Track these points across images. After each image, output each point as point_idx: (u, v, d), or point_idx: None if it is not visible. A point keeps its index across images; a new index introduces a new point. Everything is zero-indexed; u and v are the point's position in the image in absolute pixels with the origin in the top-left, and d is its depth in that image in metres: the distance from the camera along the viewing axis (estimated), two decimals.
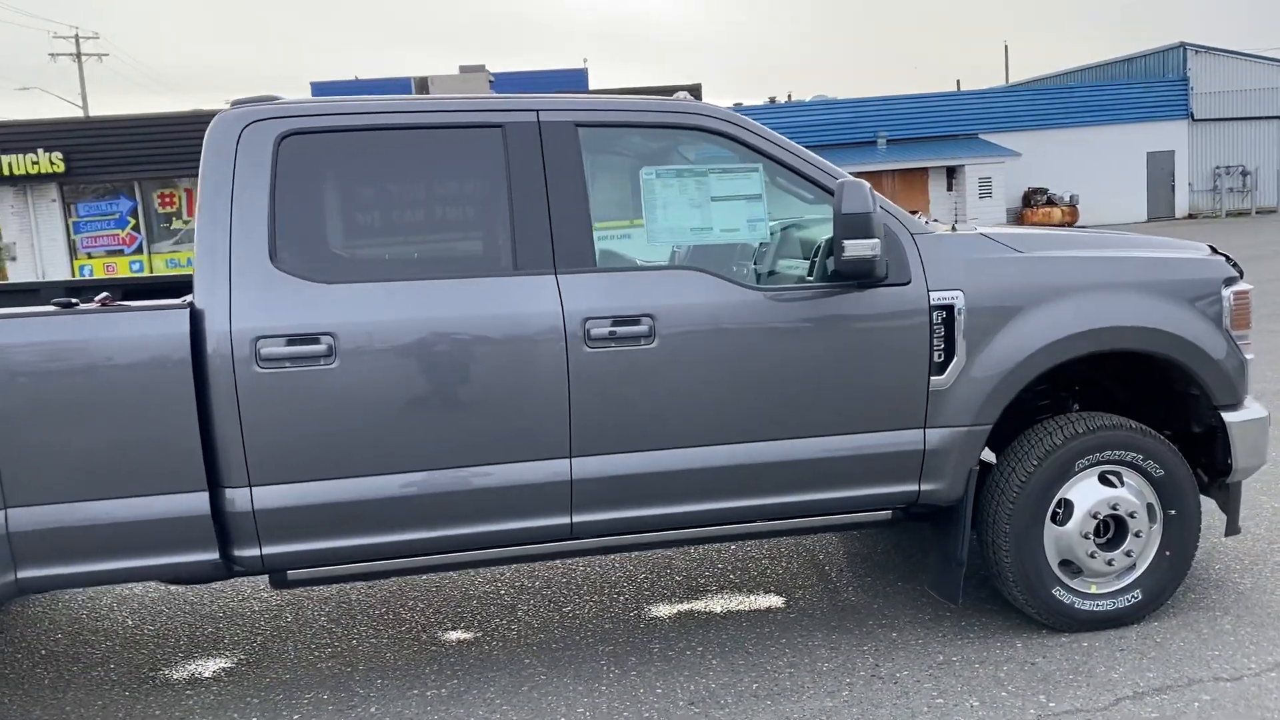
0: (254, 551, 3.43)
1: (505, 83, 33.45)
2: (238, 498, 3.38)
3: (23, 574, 3.29)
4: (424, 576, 4.90)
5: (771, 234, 3.98)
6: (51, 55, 49.66)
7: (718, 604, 4.50)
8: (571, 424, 3.53)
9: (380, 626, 4.44)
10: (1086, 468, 3.91)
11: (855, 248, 3.42)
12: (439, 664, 4.04)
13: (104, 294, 3.71)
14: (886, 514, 3.92)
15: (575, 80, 36.19)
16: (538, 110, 3.63)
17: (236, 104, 3.61)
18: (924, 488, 3.84)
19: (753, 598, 4.55)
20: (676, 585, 4.73)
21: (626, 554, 5.02)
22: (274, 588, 3.60)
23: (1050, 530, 3.91)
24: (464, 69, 39.55)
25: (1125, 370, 4.30)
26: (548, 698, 3.71)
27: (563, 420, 3.52)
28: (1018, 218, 34.98)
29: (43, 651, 4.37)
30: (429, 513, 3.50)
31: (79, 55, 49.57)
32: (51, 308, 3.40)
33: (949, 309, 3.74)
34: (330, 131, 3.52)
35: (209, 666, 4.15)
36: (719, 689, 3.70)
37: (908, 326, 3.73)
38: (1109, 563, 3.94)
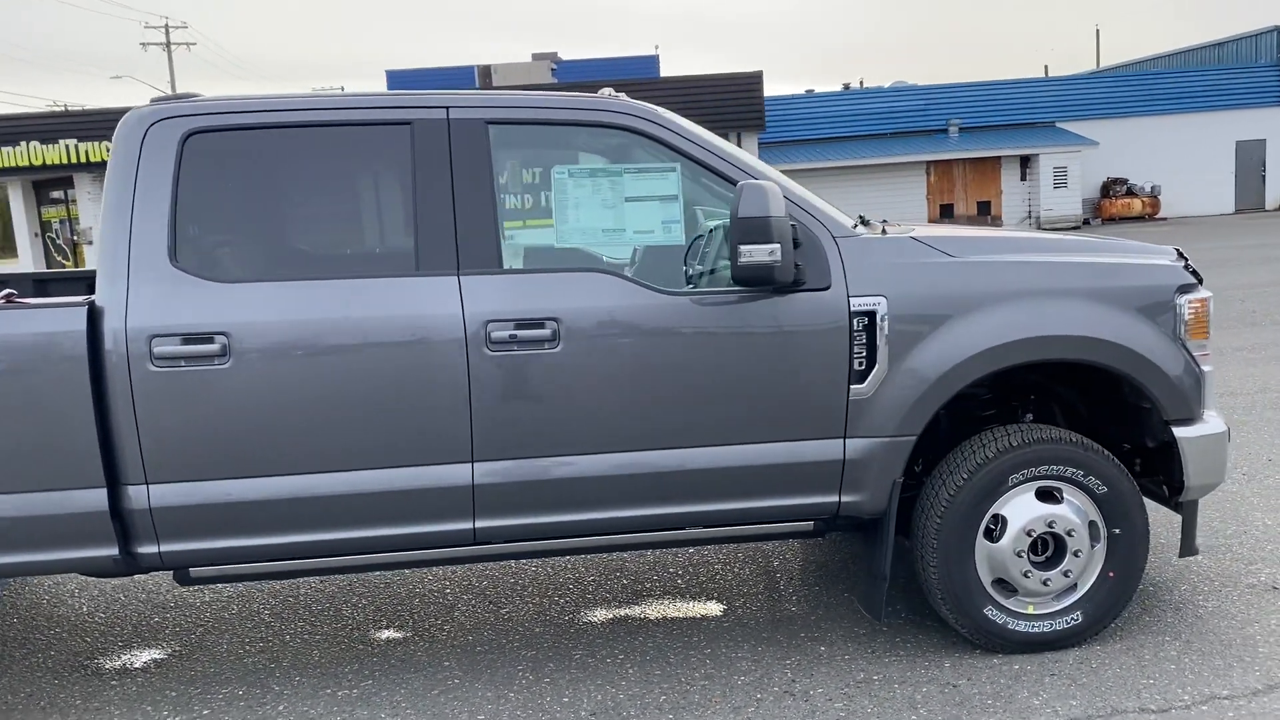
0: (153, 549, 3.46)
1: (570, 70, 33.54)
2: (135, 495, 3.40)
3: None
4: (373, 574, 4.91)
5: (710, 234, 3.87)
6: (143, 45, 51.17)
7: (655, 610, 4.42)
8: (473, 428, 3.48)
9: (318, 622, 4.46)
10: (1021, 482, 3.72)
11: (751, 253, 3.30)
12: (360, 663, 4.04)
13: (8, 290, 3.77)
14: (808, 525, 3.80)
15: (644, 67, 36.11)
16: (448, 107, 3.58)
17: (155, 101, 3.63)
18: (845, 499, 3.70)
19: (692, 604, 4.46)
20: (620, 589, 4.65)
21: (576, 556, 4.96)
22: (179, 584, 3.62)
23: (983, 547, 3.75)
24: (536, 56, 39.81)
25: (1083, 381, 4.10)
26: (454, 703, 3.67)
27: (464, 424, 3.47)
28: (1095, 209, 33.93)
29: (124, 629, 4.49)
30: (325, 515, 3.48)
31: (168, 45, 51.07)
32: None
33: (870, 315, 3.60)
34: (234, 130, 3.52)
35: (142, 657, 4.21)
36: (626, 700, 3.63)
37: (826, 333, 3.59)
38: (1045, 582, 3.76)
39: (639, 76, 32.13)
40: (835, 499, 3.70)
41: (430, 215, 3.49)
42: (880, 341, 3.60)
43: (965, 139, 33.23)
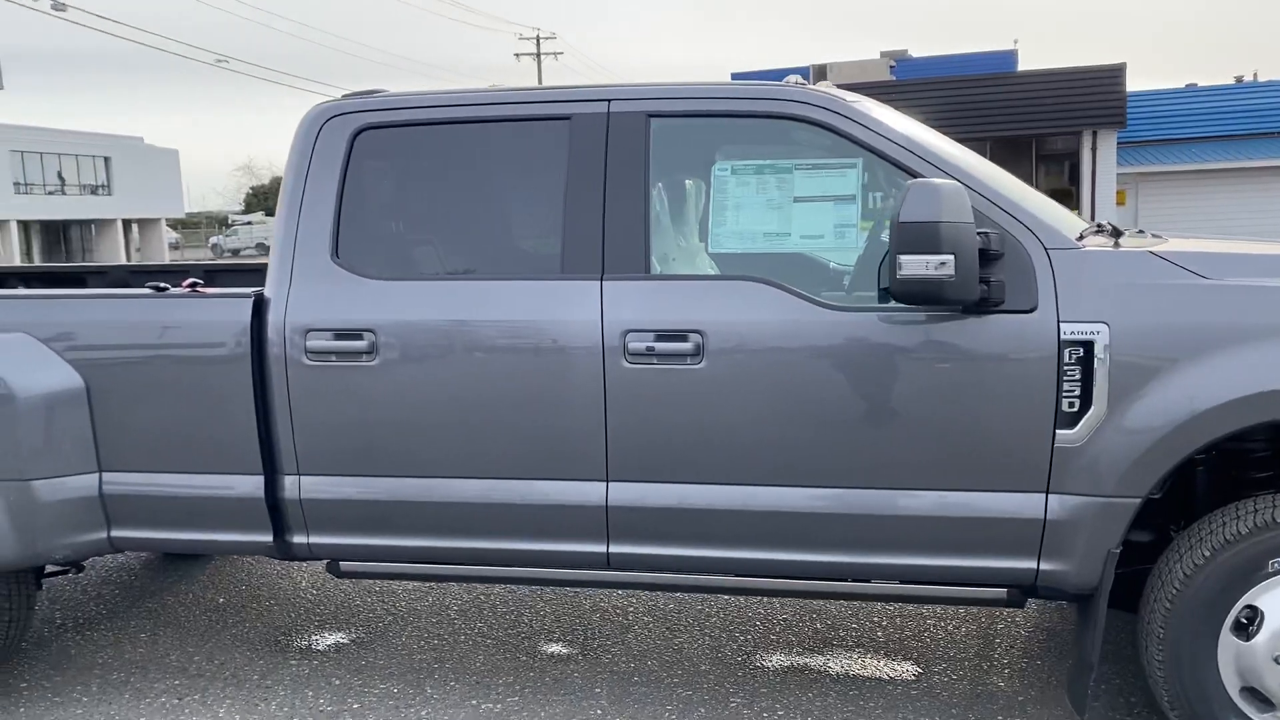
0: (303, 539, 3.50)
1: (915, 68, 32.28)
2: (289, 485, 3.46)
3: (114, 533, 3.60)
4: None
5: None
6: (516, 55, 55.34)
7: (839, 663, 3.93)
8: (608, 445, 3.21)
9: (495, 626, 4.39)
10: None
11: (913, 264, 2.76)
12: (516, 676, 3.90)
13: (192, 279, 3.96)
14: (1001, 593, 3.18)
15: (1000, 62, 34.06)
16: (609, 100, 3.33)
17: (347, 96, 3.67)
18: (1044, 567, 3.05)
19: (883, 663, 3.93)
20: (809, 634, 4.20)
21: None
22: (332, 575, 3.65)
23: (1229, 645, 2.96)
24: (884, 54, 38.76)
25: None
26: None
27: (599, 441, 3.22)
28: None
29: (220, 600, 4.81)
30: (460, 522, 3.36)
31: (538, 55, 54.94)
32: (147, 290, 3.67)
33: (1087, 346, 2.93)
34: (401, 126, 3.47)
35: (328, 639, 4.33)
36: None
37: (1028, 365, 2.97)
38: None
39: (995, 71, 30.32)
40: (1032, 565, 3.06)
41: (578, 214, 3.26)
42: (1098, 379, 2.93)
43: None
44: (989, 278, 2.92)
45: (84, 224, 50.48)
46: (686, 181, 3.48)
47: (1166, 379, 2.91)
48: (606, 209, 3.24)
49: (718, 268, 3.37)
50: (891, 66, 29.32)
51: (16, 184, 45.67)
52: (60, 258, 49.49)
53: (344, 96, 3.66)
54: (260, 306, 3.43)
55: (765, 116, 3.28)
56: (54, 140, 47.60)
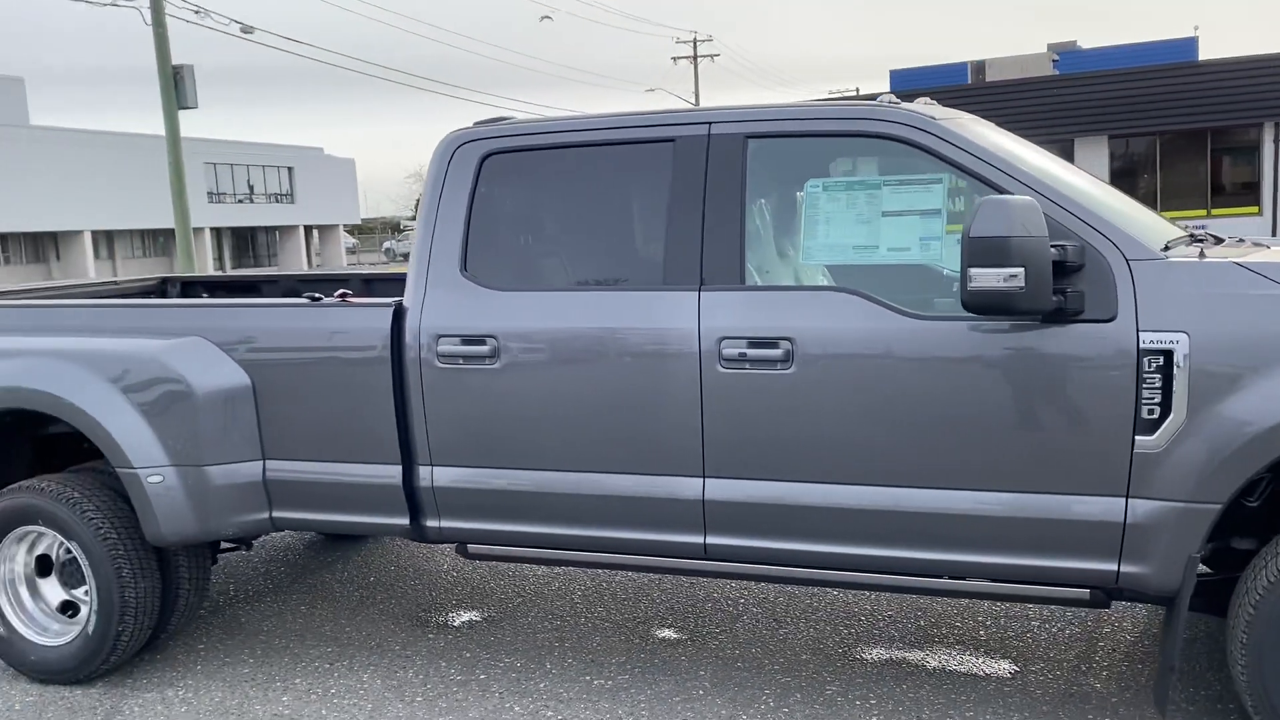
0: (435, 523, 3.89)
1: (1083, 60, 31.06)
2: (423, 474, 3.85)
3: (275, 514, 4.08)
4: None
5: None
6: (673, 59, 56.02)
7: (938, 658, 4.07)
8: (705, 444, 3.47)
9: (614, 611, 4.70)
10: None
11: (983, 277, 2.91)
12: (628, 656, 4.20)
13: (342, 289, 4.38)
14: (1084, 593, 3.27)
15: (1178, 51, 32.49)
16: (710, 123, 3.59)
17: (478, 124, 4.05)
18: (1125, 569, 3.14)
19: (982, 660, 4.04)
20: (912, 629, 4.34)
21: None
22: (461, 557, 4.03)
23: None
24: (1051, 46, 37.42)
25: None
26: (688, 713, 3.70)
27: (696, 440, 3.48)
28: None
29: (370, 579, 5.30)
30: (571, 511, 3.67)
31: (695, 57, 55.37)
32: (303, 300, 4.13)
33: (1167, 355, 3.01)
34: (521, 151, 3.82)
35: (463, 616, 4.73)
36: None
37: (1107, 372, 3.07)
38: None
39: (1173, 61, 28.94)
40: (1113, 568, 3.15)
41: (679, 228, 3.53)
42: (1178, 387, 3.00)
43: None
44: (1066, 288, 3.04)
45: (270, 231, 53.91)
46: (782, 198, 3.69)
47: (1246, 388, 2.96)
48: (705, 224, 3.50)
49: (811, 279, 3.58)
50: (1054, 60, 28.34)
51: (209, 193, 49.13)
52: (249, 263, 53.03)
53: (475, 124, 4.04)
54: (399, 315, 3.83)
55: (857, 135, 3.47)
56: (242, 152, 51.05)
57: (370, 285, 5.71)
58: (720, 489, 3.49)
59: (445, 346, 3.73)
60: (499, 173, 3.85)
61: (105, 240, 45.60)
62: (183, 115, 22.55)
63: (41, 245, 43.65)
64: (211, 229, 49.05)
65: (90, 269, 42.28)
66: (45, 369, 4.05)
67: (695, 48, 55.16)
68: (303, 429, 3.97)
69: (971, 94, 25.75)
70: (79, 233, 43.07)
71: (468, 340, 3.71)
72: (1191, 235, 3.54)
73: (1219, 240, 3.66)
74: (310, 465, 3.99)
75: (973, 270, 2.93)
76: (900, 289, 3.43)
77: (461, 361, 3.72)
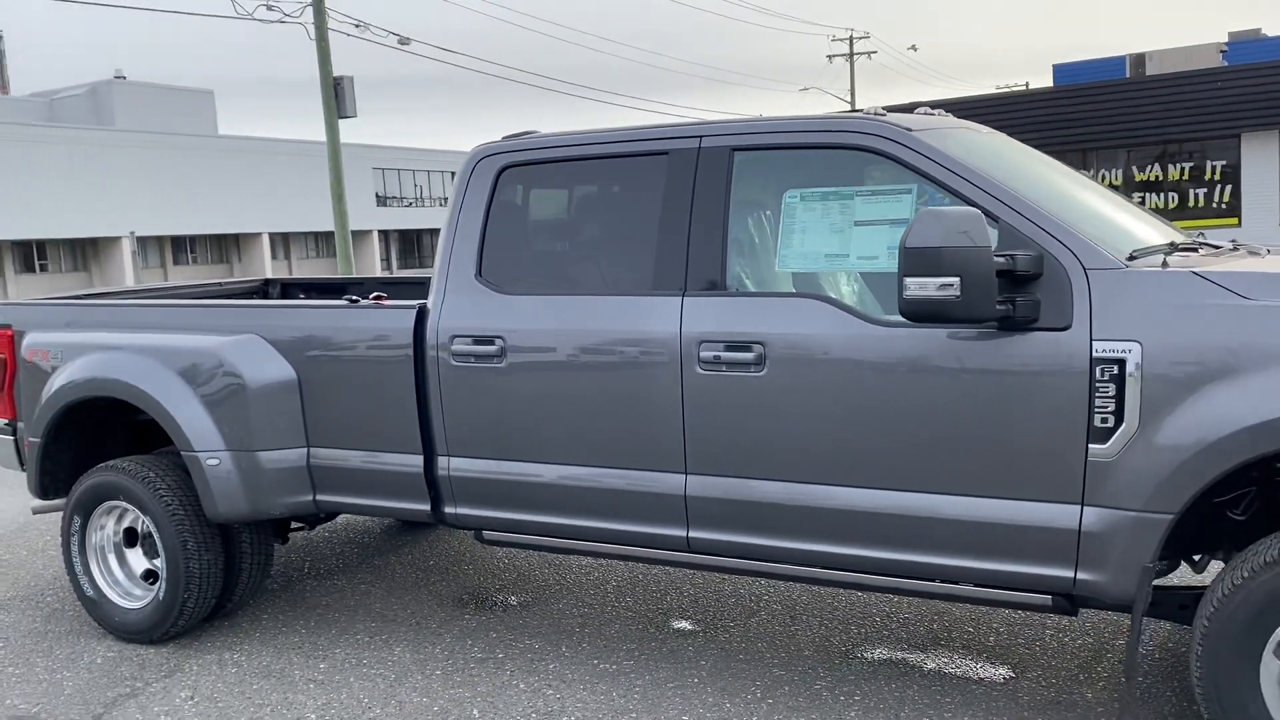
0: (452, 509, 4.20)
1: (1258, 50, 29.13)
2: (441, 464, 4.16)
3: (319, 497, 4.47)
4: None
5: None
6: (828, 58, 55.37)
7: (936, 660, 4.11)
8: (686, 442, 3.65)
9: (639, 601, 4.91)
10: None
11: (917, 286, 2.98)
12: (638, 643, 4.40)
13: (377, 292, 4.72)
14: (1045, 599, 3.29)
15: None
16: (701, 137, 3.76)
17: (505, 138, 4.34)
18: (1081, 576, 3.15)
19: (980, 664, 4.06)
20: (921, 632, 4.38)
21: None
22: (479, 542, 4.33)
23: (1273, 667, 2.93)
24: (1232, 35, 35.27)
25: None
26: (677, 699, 3.88)
27: (678, 438, 3.66)
28: None
29: (430, 562, 5.67)
30: (569, 502, 3.91)
31: (850, 55, 54.62)
32: (342, 302, 4.50)
33: (1119, 364, 3.02)
34: (533, 164, 4.08)
35: (500, 599, 5.03)
36: None
37: (1060, 380, 3.09)
38: None
39: None
40: (1069, 574, 3.17)
41: (669, 237, 3.72)
42: (1130, 396, 3.01)
43: None
44: (1017, 297, 3.08)
45: (435, 233, 56.21)
46: (763, 207, 3.82)
47: (1200, 398, 2.94)
48: (691, 233, 3.68)
49: (786, 286, 3.70)
50: (1223, 50, 26.71)
51: (378, 196, 51.66)
52: (414, 264, 55.46)
53: (503, 138, 4.33)
54: (422, 316, 4.16)
55: (834, 147, 3.58)
56: (407, 158, 53.46)
57: None
58: (700, 485, 3.66)
59: (460, 346, 4.03)
60: (513, 184, 4.12)
61: (282, 242, 48.64)
62: (350, 123, 23.92)
63: (225, 247, 46.92)
64: (380, 231, 51.53)
65: (267, 269, 45.18)
66: (126, 362, 4.56)
67: (851, 45, 54.40)
68: (341, 420, 4.35)
69: (1128, 89, 24.57)
70: (258, 235, 46.09)
71: (479, 340, 4.00)
72: (1173, 244, 3.49)
73: (1217, 249, 3.59)
74: (348, 453, 4.36)
75: (907, 279, 3.01)
76: (869, 296, 3.52)
77: (473, 360, 4.01)
